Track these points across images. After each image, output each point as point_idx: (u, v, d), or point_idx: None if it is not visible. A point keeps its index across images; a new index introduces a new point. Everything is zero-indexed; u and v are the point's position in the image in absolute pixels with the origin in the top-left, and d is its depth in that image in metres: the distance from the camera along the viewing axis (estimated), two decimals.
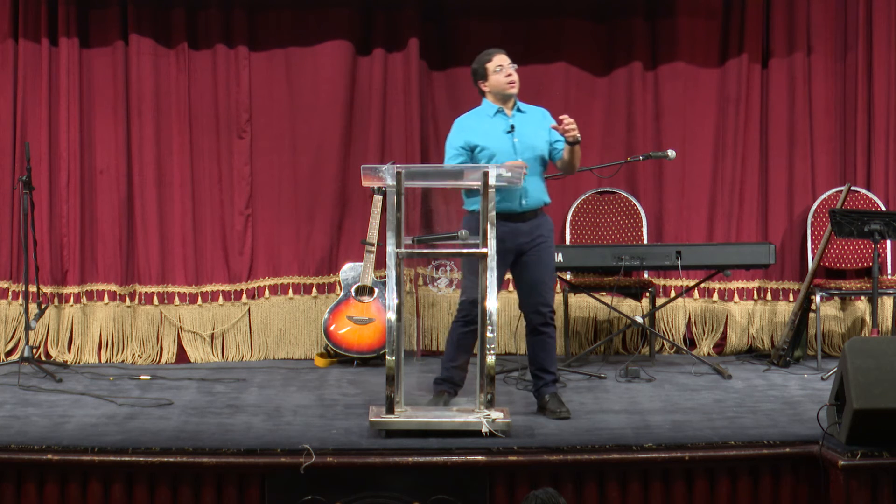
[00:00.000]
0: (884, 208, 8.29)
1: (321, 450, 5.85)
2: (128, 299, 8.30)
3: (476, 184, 6.13)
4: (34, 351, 7.91)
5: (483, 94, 6.65)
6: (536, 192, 6.57)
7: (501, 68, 6.57)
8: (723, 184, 8.43)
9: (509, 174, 6.12)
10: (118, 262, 8.29)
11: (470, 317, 6.45)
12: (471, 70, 6.68)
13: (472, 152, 6.53)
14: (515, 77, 6.59)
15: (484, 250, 6.06)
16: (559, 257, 7.76)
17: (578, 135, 6.45)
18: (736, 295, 8.45)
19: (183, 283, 8.33)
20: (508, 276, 6.89)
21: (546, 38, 8.44)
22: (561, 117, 6.47)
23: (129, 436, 6.13)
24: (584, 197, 8.44)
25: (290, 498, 5.83)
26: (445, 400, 6.51)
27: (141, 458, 5.85)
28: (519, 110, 6.64)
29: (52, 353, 8.22)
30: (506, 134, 6.56)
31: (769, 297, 8.46)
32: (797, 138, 8.41)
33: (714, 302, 8.46)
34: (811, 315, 8.01)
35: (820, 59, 8.40)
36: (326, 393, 7.29)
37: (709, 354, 8.37)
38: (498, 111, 6.62)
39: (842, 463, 5.68)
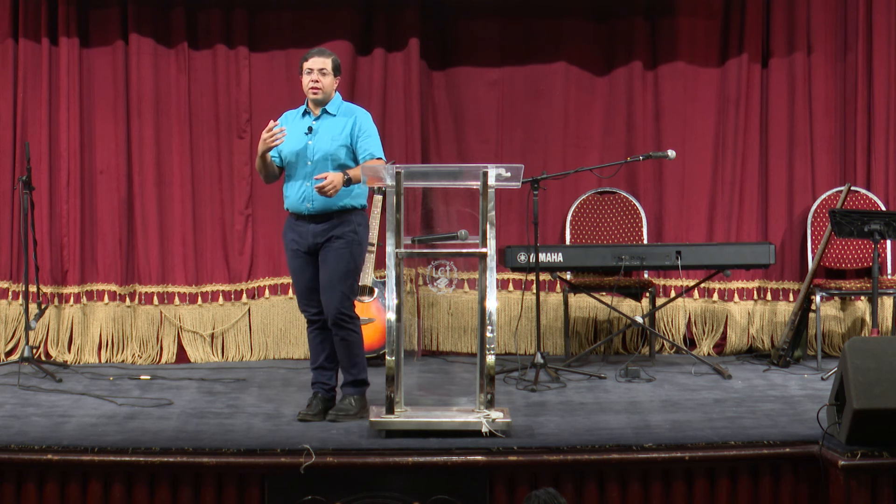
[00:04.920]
0: (884, 208, 8.28)
1: (321, 450, 5.85)
2: (128, 299, 8.30)
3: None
4: (34, 351, 7.91)
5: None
6: (326, 197, 6.37)
7: (310, 72, 6.49)
8: (723, 184, 8.42)
9: (508, 174, 6.11)
10: (118, 262, 8.28)
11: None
12: None
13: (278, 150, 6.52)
14: (322, 84, 6.46)
15: (484, 250, 6.06)
16: (559, 257, 7.76)
17: (330, 192, 6.30)
18: (736, 295, 8.45)
19: (183, 283, 8.33)
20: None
21: (546, 38, 8.43)
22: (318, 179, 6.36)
23: (129, 436, 6.13)
24: (584, 197, 8.43)
25: (290, 498, 5.83)
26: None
27: (141, 458, 5.85)
28: (327, 112, 6.52)
29: (52, 353, 8.22)
30: (304, 135, 6.50)
31: (769, 297, 8.46)
32: (797, 138, 8.41)
33: (714, 302, 8.46)
34: (811, 315, 8.00)
35: (820, 59, 8.40)
36: None
37: (709, 354, 8.36)
38: (305, 112, 6.57)
39: (842, 463, 5.68)
